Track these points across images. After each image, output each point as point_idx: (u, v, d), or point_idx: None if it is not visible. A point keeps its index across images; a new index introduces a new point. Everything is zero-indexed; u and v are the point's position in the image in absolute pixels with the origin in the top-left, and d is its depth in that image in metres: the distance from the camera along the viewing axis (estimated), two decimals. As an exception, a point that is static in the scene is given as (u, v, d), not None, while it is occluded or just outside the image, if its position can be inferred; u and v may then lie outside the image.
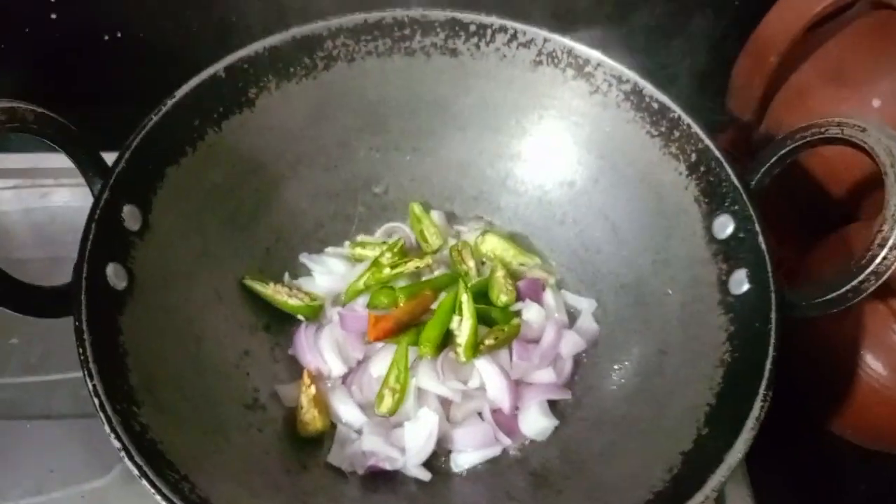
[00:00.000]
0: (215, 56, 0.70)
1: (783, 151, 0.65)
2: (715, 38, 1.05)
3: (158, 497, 0.49)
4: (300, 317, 0.73)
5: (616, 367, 0.70)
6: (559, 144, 0.79)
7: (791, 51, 0.86)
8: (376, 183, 0.82)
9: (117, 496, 0.70)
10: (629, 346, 0.71)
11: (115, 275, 0.60)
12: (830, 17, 0.84)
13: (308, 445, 0.66)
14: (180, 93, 0.68)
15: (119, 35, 0.97)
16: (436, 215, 0.81)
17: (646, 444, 0.61)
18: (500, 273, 0.74)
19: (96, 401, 0.52)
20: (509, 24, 0.76)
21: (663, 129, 0.72)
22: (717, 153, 0.68)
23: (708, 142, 0.69)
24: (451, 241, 0.79)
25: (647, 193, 0.74)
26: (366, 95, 0.79)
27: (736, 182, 0.66)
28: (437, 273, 0.75)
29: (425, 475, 0.64)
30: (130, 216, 0.63)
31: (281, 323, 0.73)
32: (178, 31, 0.96)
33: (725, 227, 0.66)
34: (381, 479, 0.65)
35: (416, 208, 0.81)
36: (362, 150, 0.81)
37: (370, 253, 0.76)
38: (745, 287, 0.63)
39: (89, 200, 0.91)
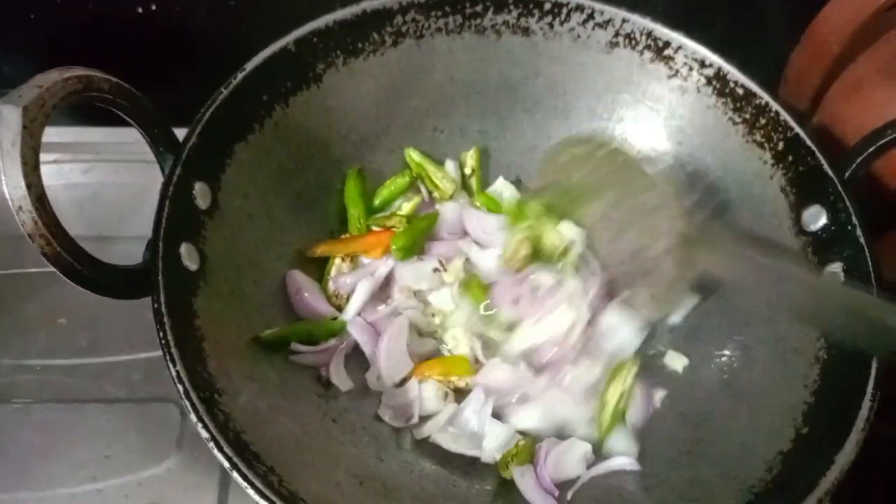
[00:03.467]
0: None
1: (882, 142, 0.62)
2: (768, 28, 1.02)
3: (251, 491, 0.46)
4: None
5: (700, 361, 0.68)
6: (633, 130, 0.77)
7: (852, 41, 0.83)
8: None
9: (174, 485, 0.68)
10: (712, 341, 0.68)
11: (188, 255, 0.57)
12: (893, 7, 0.82)
13: (389, 432, 0.64)
14: (250, 66, 0.65)
15: (153, 7, 0.93)
16: (450, 166, 0.78)
17: (738, 442, 0.59)
18: None
19: (181, 387, 0.49)
20: (586, 2, 0.73)
21: (748, 115, 0.69)
22: (809, 142, 0.65)
23: (798, 130, 0.66)
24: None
25: (727, 182, 0.71)
26: (432, 75, 0.76)
27: (830, 172, 0.63)
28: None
29: None
30: (201, 194, 0.60)
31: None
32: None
33: (817, 218, 0.64)
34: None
35: (414, 154, 0.76)
36: (427, 130, 0.78)
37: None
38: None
39: (132, 176, 0.90)
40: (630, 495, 0.60)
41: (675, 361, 0.68)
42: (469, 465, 0.63)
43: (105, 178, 0.89)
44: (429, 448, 0.63)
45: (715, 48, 0.71)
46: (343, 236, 0.72)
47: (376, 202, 0.75)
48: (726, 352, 0.67)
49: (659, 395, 0.67)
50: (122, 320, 0.77)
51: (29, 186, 0.47)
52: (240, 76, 0.64)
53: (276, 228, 0.68)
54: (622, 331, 0.66)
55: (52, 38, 0.94)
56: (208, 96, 0.62)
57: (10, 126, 0.47)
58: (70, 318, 0.77)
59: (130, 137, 0.89)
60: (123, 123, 0.91)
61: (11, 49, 0.95)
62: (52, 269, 0.79)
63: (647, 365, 0.67)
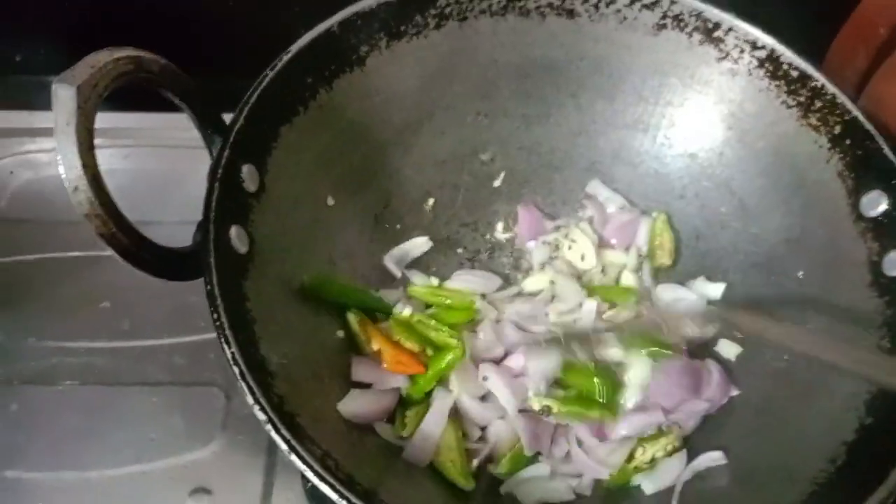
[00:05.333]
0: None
1: (948, 125, 0.60)
2: (811, 11, 0.99)
3: (310, 473, 0.46)
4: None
5: (754, 350, 0.66)
6: (680, 114, 0.75)
7: (898, 26, 0.81)
8: (483, 150, 0.78)
9: (219, 467, 0.68)
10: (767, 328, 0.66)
11: (237, 238, 0.56)
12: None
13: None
14: (295, 48, 0.64)
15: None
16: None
17: (798, 432, 0.58)
18: None
19: (236, 369, 0.48)
20: (634, -18, 0.71)
21: (802, 98, 0.67)
22: (868, 125, 0.63)
23: (856, 113, 0.64)
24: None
25: (780, 167, 0.70)
26: (476, 58, 0.74)
27: (891, 156, 0.62)
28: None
29: None
30: (249, 176, 0.59)
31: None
32: None
33: (877, 203, 0.62)
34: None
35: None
36: (470, 115, 0.77)
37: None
38: (905, 268, 0.59)
39: (170, 161, 0.90)
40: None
41: (729, 350, 0.67)
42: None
43: (144, 164, 0.89)
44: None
45: (758, 31, 0.69)
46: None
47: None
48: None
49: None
50: (164, 304, 0.77)
51: (85, 166, 0.47)
52: (285, 58, 0.63)
53: (322, 212, 0.68)
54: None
55: (87, 26, 0.94)
56: (250, 81, 0.61)
57: (65, 105, 0.46)
58: (113, 301, 0.78)
59: (168, 123, 0.90)
60: (162, 108, 0.91)
61: (48, 37, 0.95)
62: (94, 252, 0.81)
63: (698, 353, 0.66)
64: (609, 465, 0.61)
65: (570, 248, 0.76)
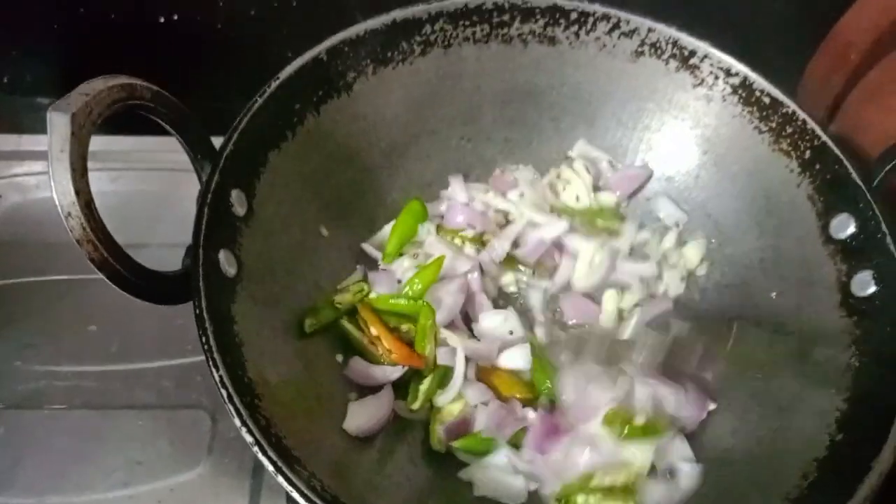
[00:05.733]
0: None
1: (911, 150, 0.63)
2: (787, 34, 1.02)
3: (296, 495, 0.47)
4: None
5: (728, 371, 0.68)
6: (657, 138, 0.77)
7: (872, 48, 0.84)
8: (467, 173, 0.79)
9: (205, 490, 0.68)
10: (737, 348, 0.69)
11: (226, 261, 0.58)
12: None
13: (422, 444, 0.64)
14: (283, 74, 0.66)
15: (175, 17, 0.94)
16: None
17: (770, 449, 0.60)
18: None
19: (224, 392, 0.49)
20: (612, 12, 0.74)
21: (774, 124, 0.70)
22: (837, 150, 0.66)
23: (825, 138, 0.67)
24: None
25: (753, 190, 0.72)
26: (460, 84, 0.76)
27: (858, 181, 0.64)
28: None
29: None
30: (238, 201, 0.61)
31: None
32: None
33: (845, 226, 0.64)
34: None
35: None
36: (454, 139, 0.79)
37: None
38: (872, 289, 0.61)
39: (159, 185, 0.91)
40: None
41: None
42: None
43: (133, 187, 0.90)
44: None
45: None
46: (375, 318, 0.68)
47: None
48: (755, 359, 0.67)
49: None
50: (152, 327, 0.78)
51: (78, 193, 0.48)
52: (274, 85, 0.64)
53: (308, 235, 0.69)
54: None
55: (75, 49, 0.95)
56: (240, 106, 0.63)
57: (60, 133, 0.47)
58: (100, 324, 0.78)
59: (157, 146, 0.92)
60: (151, 132, 0.93)
61: (36, 59, 0.96)
62: (81, 276, 0.81)
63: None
64: (561, 476, 0.61)
65: (564, 189, 0.78)
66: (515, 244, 0.74)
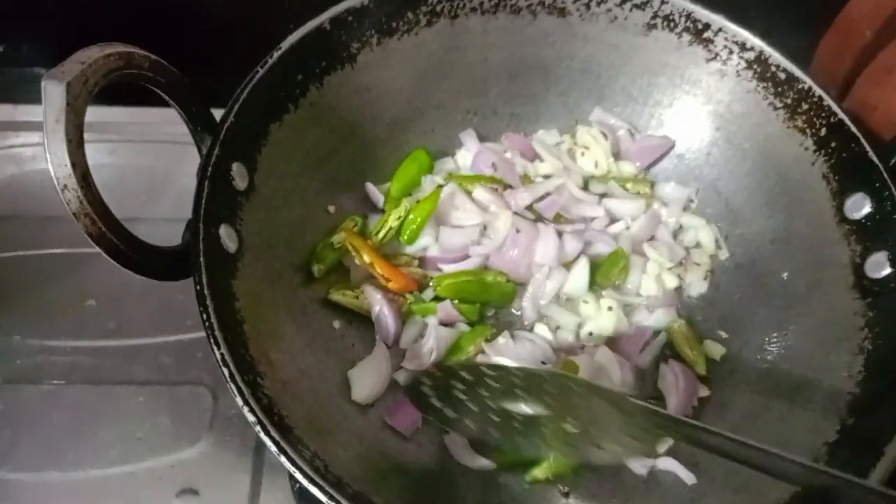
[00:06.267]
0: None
1: (931, 129, 0.61)
2: (797, 14, 1.00)
3: (299, 475, 0.46)
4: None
5: (738, 350, 0.67)
6: (668, 114, 0.76)
7: (884, 27, 0.82)
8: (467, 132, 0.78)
9: (206, 467, 0.68)
10: (748, 329, 0.67)
11: (227, 237, 0.56)
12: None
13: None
14: (286, 44, 0.63)
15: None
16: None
17: (781, 433, 0.59)
18: None
19: (226, 370, 0.48)
20: (625, -18, 0.71)
21: (789, 100, 0.68)
22: (854, 128, 0.64)
23: (842, 115, 0.65)
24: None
25: (766, 168, 0.70)
26: (466, 56, 0.74)
27: (875, 160, 0.62)
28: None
29: None
30: (238, 174, 0.59)
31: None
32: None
33: (860, 206, 0.63)
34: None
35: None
36: (459, 113, 0.77)
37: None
38: (887, 271, 0.60)
39: (157, 158, 0.89)
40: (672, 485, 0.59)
41: (713, 350, 0.67)
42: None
43: (131, 160, 0.88)
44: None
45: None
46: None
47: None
48: (765, 340, 0.66)
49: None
50: (150, 303, 0.77)
51: (74, 165, 0.46)
52: (276, 55, 0.63)
53: (310, 210, 0.68)
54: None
55: (71, 19, 0.93)
56: (240, 79, 0.61)
57: (54, 102, 0.46)
58: (98, 299, 0.77)
59: (156, 118, 0.90)
60: (149, 103, 0.91)
61: (32, 30, 0.94)
62: (79, 249, 0.80)
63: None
64: None
65: (582, 154, 0.76)
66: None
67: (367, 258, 0.67)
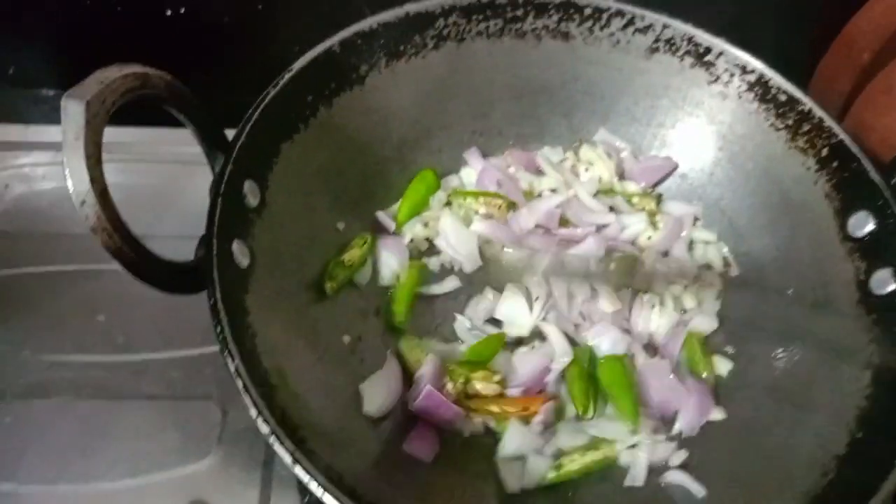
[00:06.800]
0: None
1: (931, 148, 0.62)
2: (795, 35, 1.02)
3: (314, 485, 0.46)
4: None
5: (745, 366, 0.67)
6: (672, 135, 0.77)
7: (883, 48, 0.83)
8: (473, 150, 0.79)
9: (215, 482, 0.68)
10: (754, 345, 0.68)
11: (239, 252, 0.57)
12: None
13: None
14: (297, 66, 0.65)
15: (182, 11, 0.93)
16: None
17: (790, 447, 0.59)
18: None
19: (240, 383, 0.49)
20: (627, 8, 0.73)
21: (790, 122, 0.70)
22: (855, 148, 0.65)
23: (843, 136, 0.66)
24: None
25: (768, 188, 0.72)
26: (472, 78, 0.76)
27: (876, 178, 0.63)
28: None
29: None
30: (250, 192, 0.60)
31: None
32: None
33: (864, 224, 0.64)
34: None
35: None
36: (466, 133, 0.78)
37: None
38: (892, 287, 0.61)
39: (165, 177, 0.91)
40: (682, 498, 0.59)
41: (720, 366, 0.68)
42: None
43: (141, 179, 0.89)
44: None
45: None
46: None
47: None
48: (772, 356, 0.67)
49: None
50: (159, 318, 0.77)
51: (92, 180, 0.47)
52: (287, 76, 0.64)
53: (319, 227, 0.68)
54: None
55: (81, 40, 0.94)
56: (252, 99, 0.62)
57: (74, 120, 0.47)
58: (107, 314, 0.77)
59: (167, 138, 0.91)
60: (160, 123, 0.92)
61: (40, 51, 0.95)
62: (89, 266, 0.81)
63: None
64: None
65: (586, 169, 0.77)
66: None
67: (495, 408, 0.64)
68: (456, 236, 0.72)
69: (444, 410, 0.61)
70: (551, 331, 0.67)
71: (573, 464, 0.61)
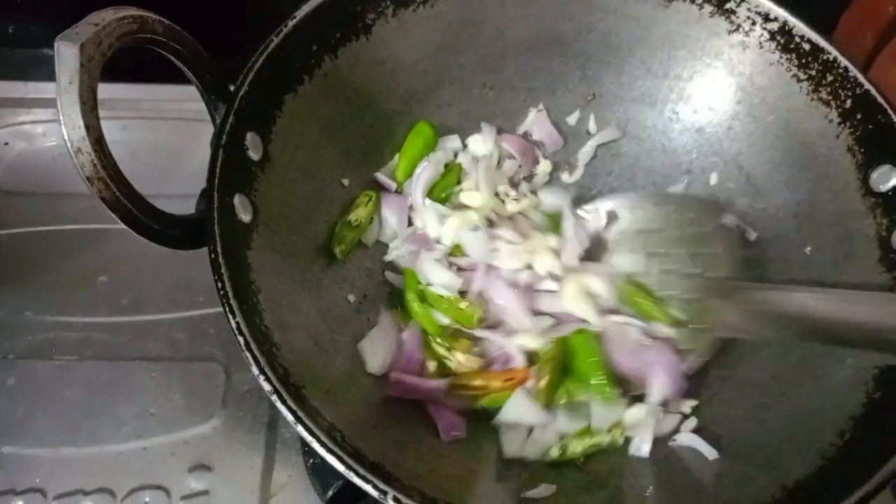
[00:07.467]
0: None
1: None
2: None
3: (317, 445, 0.45)
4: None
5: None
6: (689, 88, 0.74)
7: (906, 5, 0.80)
8: (489, 123, 0.76)
9: (220, 443, 0.68)
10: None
11: (241, 206, 0.55)
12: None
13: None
14: (300, 13, 0.62)
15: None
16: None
17: (806, 407, 0.57)
18: None
19: (241, 339, 0.47)
20: (644, -47, 0.70)
21: (813, 72, 0.67)
22: (881, 99, 0.62)
23: (868, 86, 0.63)
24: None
25: (789, 142, 0.69)
26: (482, 29, 0.73)
27: (903, 130, 0.61)
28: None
29: None
30: (253, 144, 0.58)
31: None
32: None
33: (887, 178, 0.61)
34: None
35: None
36: (476, 87, 0.76)
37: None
38: (914, 243, 0.58)
39: (170, 134, 0.89)
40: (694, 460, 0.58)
41: None
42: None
43: (143, 136, 0.87)
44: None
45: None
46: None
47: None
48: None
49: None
50: (164, 279, 0.76)
51: (88, 127, 0.45)
52: (290, 24, 0.61)
53: (324, 182, 0.67)
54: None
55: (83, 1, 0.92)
56: (244, 56, 0.60)
57: (68, 63, 0.45)
58: (111, 275, 0.76)
59: (169, 94, 0.89)
60: (162, 80, 0.90)
61: (41, 10, 0.93)
62: (91, 225, 0.79)
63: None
64: None
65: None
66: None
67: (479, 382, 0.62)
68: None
69: (419, 390, 0.60)
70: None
71: (578, 446, 0.59)
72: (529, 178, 0.77)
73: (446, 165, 0.73)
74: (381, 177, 0.72)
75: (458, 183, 0.73)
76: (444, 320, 0.64)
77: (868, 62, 0.85)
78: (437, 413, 0.60)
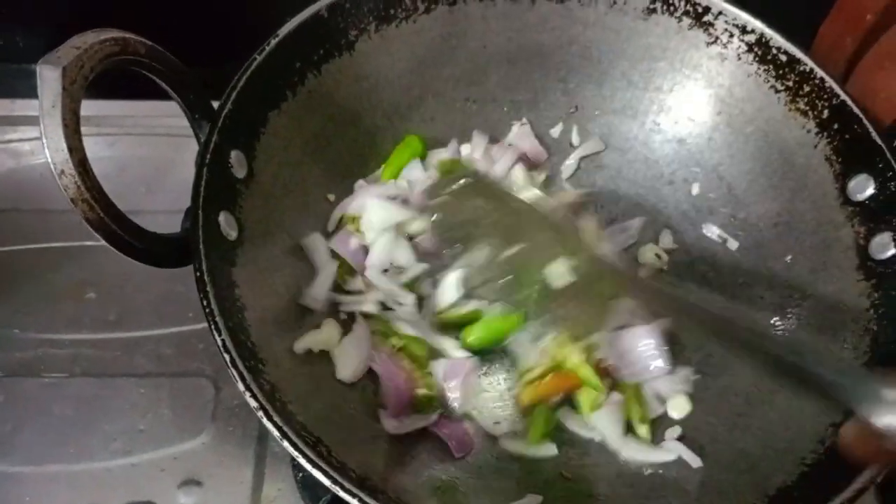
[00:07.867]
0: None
1: (935, 108, 0.61)
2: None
3: (303, 460, 0.45)
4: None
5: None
6: (669, 99, 0.75)
7: (887, 10, 0.81)
8: (471, 136, 0.77)
9: (209, 458, 0.67)
10: (751, 314, 0.67)
11: (227, 224, 0.56)
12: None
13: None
14: (283, 31, 0.63)
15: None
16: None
17: (784, 415, 0.58)
18: None
19: (227, 357, 0.48)
20: (623, -33, 0.71)
21: (790, 83, 0.68)
22: (856, 109, 0.64)
23: (844, 97, 0.64)
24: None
25: (768, 152, 0.70)
26: (465, 43, 0.74)
27: (878, 141, 0.62)
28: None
29: None
30: (237, 162, 0.59)
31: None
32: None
33: (864, 187, 0.62)
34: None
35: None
36: (459, 100, 0.76)
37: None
38: (892, 251, 0.59)
39: (156, 150, 0.89)
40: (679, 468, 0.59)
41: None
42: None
43: (130, 152, 0.87)
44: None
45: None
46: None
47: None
48: (770, 324, 0.66)
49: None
50: (151, 294, 0.76)
51: (71, 150, 0.46)
52: (273, 42, 0.62)
53: (310, 198, 0.67)
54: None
55: (68, 13, 0.92)
56: (238, 68, 0.60)
57: (50, 87, 0.45)
58: (98, 291, 0.76)
59: (154, 111, 0.89)
60: (147, 96, 0.90)
61: (28, 25, 0.93)
62: (78, 242, 0.80)
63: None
64: None
65: None
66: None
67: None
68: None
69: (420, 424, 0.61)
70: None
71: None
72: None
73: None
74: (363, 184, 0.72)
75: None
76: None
77: (849, 69, 0.86)
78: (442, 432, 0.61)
